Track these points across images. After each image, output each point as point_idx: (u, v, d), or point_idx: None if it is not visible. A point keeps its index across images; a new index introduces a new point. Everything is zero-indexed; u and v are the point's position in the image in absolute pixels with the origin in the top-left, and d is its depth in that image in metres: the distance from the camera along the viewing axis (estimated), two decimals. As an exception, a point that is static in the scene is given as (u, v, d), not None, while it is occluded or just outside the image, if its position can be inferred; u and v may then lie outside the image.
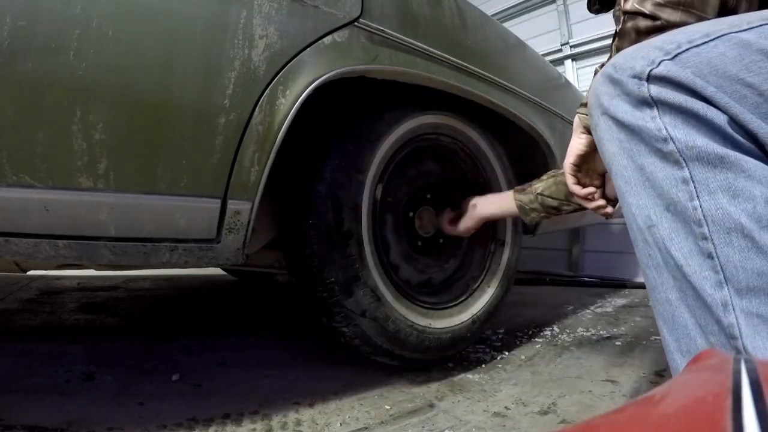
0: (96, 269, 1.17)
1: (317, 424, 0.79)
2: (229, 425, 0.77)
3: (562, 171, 0.94)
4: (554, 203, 0.98)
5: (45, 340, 1.20)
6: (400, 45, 0.89)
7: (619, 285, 2.58)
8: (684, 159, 0.46)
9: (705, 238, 0.46)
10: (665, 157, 0.48)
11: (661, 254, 0.49)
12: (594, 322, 1.67)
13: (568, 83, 1.70)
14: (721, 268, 0.45)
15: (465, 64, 1.03)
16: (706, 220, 0.46)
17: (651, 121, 0.48)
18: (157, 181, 0.64)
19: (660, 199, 0.48)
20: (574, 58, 3.18)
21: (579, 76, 3.16)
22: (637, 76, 0.48)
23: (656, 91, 0.47)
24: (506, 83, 1.15)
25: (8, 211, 0.55)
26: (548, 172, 1.03)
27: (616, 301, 2.13)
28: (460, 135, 1.14)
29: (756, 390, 0.19)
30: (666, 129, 0.47)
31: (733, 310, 0.44)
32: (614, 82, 0.51)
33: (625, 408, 0.22)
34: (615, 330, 1.53)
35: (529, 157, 1.35)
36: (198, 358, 1.12)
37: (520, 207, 1.02)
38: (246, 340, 1.30)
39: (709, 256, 0.45)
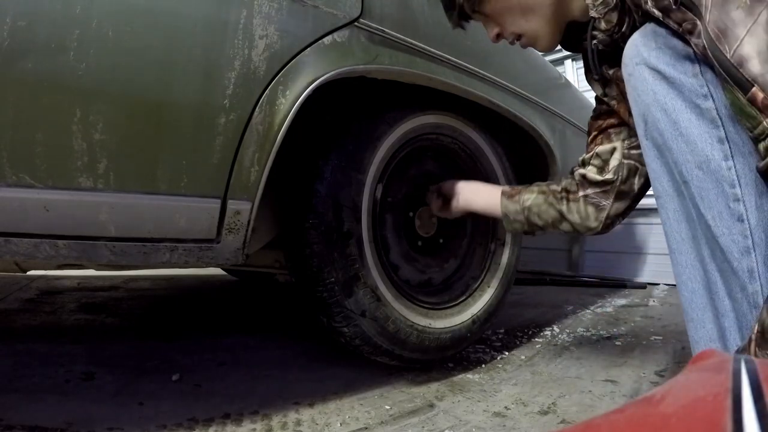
0: (96, 269, 1.17)
1: (317, 424, 0.79)
2: (229, 425, 0.77)
3: (555, 188, 0.89)
4: (540, 223, 0.91)
5: (45, 340, 1.20)
6: (400, 45, 0.89)
7: (619, 285, 2.58)
8: (720, 117, 0.46)
9: (737, 200, 0.45)
10: (702, 114, 0.47)
11: (694, 210, 0.49)
12: (594, 322, 1.67)
13: (568, 83, 1.70)
14: (751, 233, 0.44)
15: (465, 64, 1.03)
16: (739, 182, 0.45)
17: (693, 77, 0.48)
18: (157, 181, 0.63)
19: (692, 156, 0.48)
20: (574, 58, 3.18)
21: (579, 76, 3.16)
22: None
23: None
24: (506, 83, 1.15)
25: (8, 211, 0.55)
26: (539, 184, 0.93)
27: (616, 301, 2.13)
28: (460, 135, 1.14)
29: (756, 390, 0.19)
30: (708, 85, 0.47)
31: (759, 278, 0.44)
32: (656, 34, 0.50)
33: (625, 408, 0.22)
34: (615, 330, 1.53)
35: (529, 156, 1.35)
36: (198, 358, 1.12)
37: (505, 215, 0.94)
38: (246, 340, 1.30)
39: (740, 219, 0.45)
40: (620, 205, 0.83)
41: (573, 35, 0.75)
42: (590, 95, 2.12)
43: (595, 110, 0.87)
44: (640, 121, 0.55)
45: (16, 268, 0.95)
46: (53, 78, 0.55)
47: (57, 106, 0.56)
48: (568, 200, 0.86)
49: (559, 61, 3.19)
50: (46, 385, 0.91)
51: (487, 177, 1.21)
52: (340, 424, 0.79)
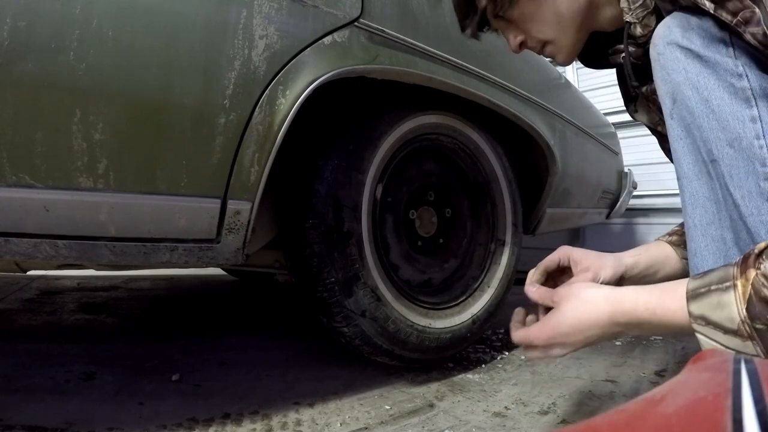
0: (96, 269, 1.17)
1: (317, 424, 0.79)
2: (229, 425, 0.77)
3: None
4: None
5: (45, 340, 1.20)
6: (400, 45, 0.89)
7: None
8: (755, 97, 0.45)
9: None
10: (735, 93, 0.46)
11: (721, 190, 0.48)
12: (594, 322, 1.66)
13: (568, 83, 1.70)
14: None
15: (465, 64, 1.03)
16: None
17: (727, 57, 0.47)
18: (157, 181, 0.63)
19: (723, 133, 0.47)
20: (574, 58, 3.17)
21: (579, 76, 3.16)
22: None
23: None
24: (506, 83, 1.15)
25: (8, 211, 0.55)
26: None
27: (616, 301, 2.12)
28: (460, 135, 1.14)
29: (756, 390, 0.19)
30: (742, 66, 0.46)
31: None
32: (689, 17, 0.50)
33: (625, 408, 0.22)
34: (615, 330, 1.53)
35: (529, 157, 1.35)
36: (198, 358, 1.12)
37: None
38: (246, 340, 1.30)
39: None
40: None
41: (593, 49, 0.69)
42: (590, 95, 2.10)
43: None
44: (668, 100, 0.53)
45: (16, 268, 0.95)
46: (53, 78, 0.55)
47: (57, 106, 0.56)
48: None
49: (559, 61, 3.19)
50: (46, 385, 0.91)
51: (487, 176, 1.21)
52: (340, 424, 0.79)
